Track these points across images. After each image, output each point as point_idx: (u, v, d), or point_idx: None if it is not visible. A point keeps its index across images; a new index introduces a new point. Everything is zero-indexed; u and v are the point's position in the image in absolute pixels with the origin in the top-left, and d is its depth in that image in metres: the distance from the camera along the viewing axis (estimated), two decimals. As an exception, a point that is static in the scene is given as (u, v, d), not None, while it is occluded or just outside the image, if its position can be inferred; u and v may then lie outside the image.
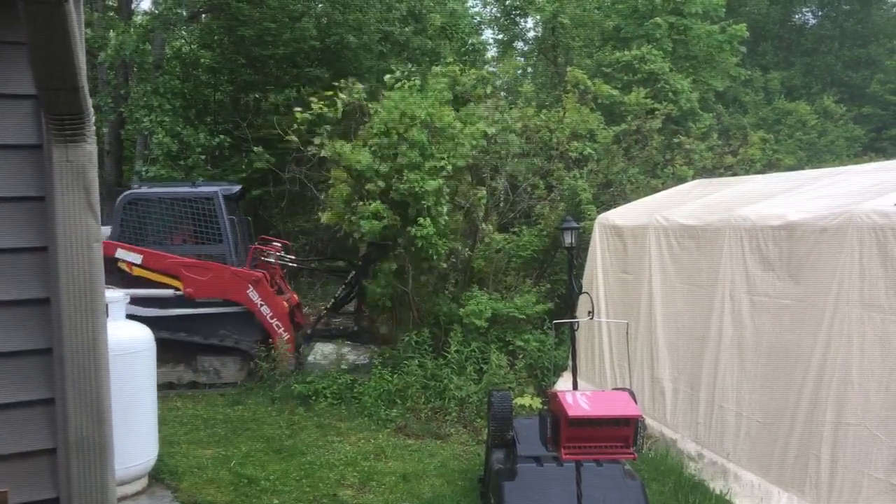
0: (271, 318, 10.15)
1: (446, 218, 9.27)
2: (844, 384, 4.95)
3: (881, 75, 25.27)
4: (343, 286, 11.30)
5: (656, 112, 12.82)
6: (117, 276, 9.74)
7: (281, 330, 10.16)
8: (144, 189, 10.53)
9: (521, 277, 10.91)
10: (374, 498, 6.19)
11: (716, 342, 6.29)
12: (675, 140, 12.93)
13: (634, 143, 12.65)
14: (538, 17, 18.22)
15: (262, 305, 10.11)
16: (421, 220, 8.96)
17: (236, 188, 10.97)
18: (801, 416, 5.29)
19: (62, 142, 2.49)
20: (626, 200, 10.14)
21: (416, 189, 8.87)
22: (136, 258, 9.87)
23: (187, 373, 9.94)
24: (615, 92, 12.88)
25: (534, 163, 11.83)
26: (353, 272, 11.12)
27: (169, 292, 9.87)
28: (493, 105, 10.81)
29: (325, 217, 10.18)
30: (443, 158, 9.19)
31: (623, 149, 12.31)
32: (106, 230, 9.77)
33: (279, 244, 11.35)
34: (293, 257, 10.96)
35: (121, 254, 9.84)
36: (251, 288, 10.07)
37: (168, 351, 9.56)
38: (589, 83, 12.51)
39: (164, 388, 9.71)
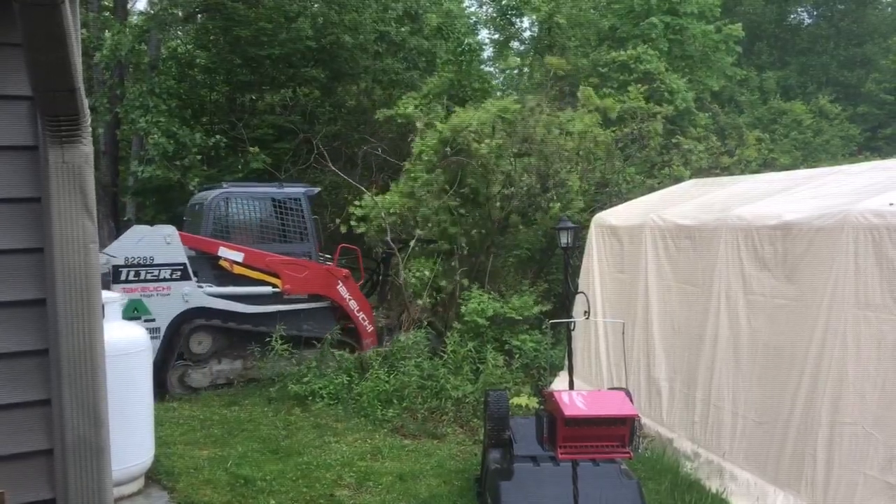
0: (357, 311, 10.71)
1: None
2: (840, 383, 4.97)
3: (876, 74, 25.31)
4: (366, 281, 11.99)
5: (658, 115, 12.83)
6: (212, 273, 10.04)
7: (366, 323, 10.74)
8: (236, 188, 10.91)
9: (519, 277, 10.94)
10: (371, 498, 6.19)
11: (712, 342, 6.31)
12: (673, 140, 12.93)
13: (631, 142, 12.66)
14: (534, 17, 18.22)
15: (349, 300, 10.67)
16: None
17: (316, 190, 11.61)
18: (797, 416, 5.31)
19: (58, 143, 2.48)
20: (623, 200, 10.15)
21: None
22: (238, 256, 10.12)
23: (290, 366, 10.04)
24: (618, 104, 12.91)
25: (531, 161, 11.84)
26: (377, 269, 11.95)
27: (268, 289, 10.21)
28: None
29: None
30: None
31: (619, 148, 12.31)
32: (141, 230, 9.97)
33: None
34: (329, 256, 11.31)
35: (223, 252, 10.05)
36: (340, 284, 10.61)
37: (265, 345, 9.82)
38: (598, 101, 12.64)
39: (258, 381, 9.97)
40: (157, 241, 9.47)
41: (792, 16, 30.12)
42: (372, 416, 8.32)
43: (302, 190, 11.08)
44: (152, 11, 16.86)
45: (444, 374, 8.70)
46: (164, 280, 9.45)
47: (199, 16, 17.92)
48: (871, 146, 21.84)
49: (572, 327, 5.87)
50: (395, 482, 6.49)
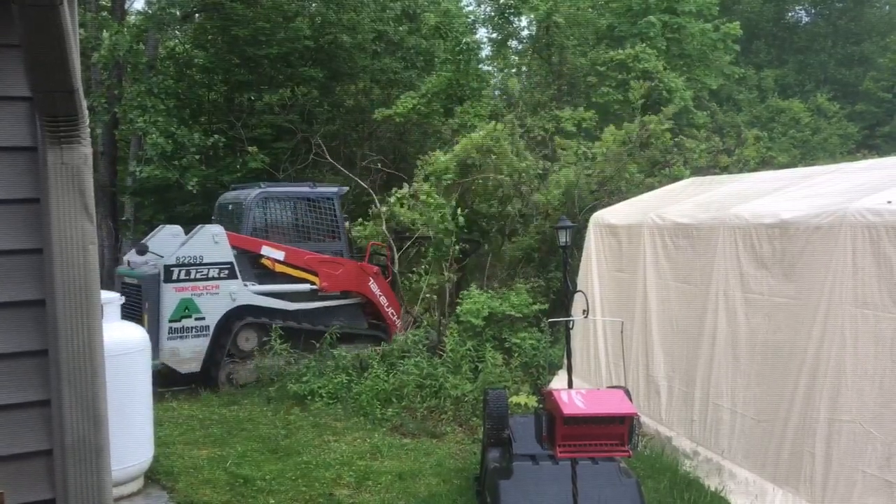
0: (387, 307, 11.11)
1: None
2: (838, 381, 4.98)
3: (874, 73, 25.33)
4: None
5: (661, 114, 12.84)
6: (253, 271, 10.31)
7: (395, 318, 11.16)
8: (273, 188, 11.23)
9: (519, 274, 10.98)
10: (371, 497, 6.19)
11: (710, 340, 6.31)
12: (676, 139, 12.86)
13: (629, 141, 12.64)
14: (532, 15, 18.23)
15: (380, 296, 11.06)
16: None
17: (345, 189, 12.09)
18: (796, 413, 5.32)
19: (57, 144, 2.49)
20: (623, 199, 10.16)
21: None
22: (280, 255, 10.42)
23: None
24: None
25: (529, 162, 11.89)
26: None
27: (305, 287, 10.56)
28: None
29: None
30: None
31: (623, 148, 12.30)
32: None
33: None
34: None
35: (266, 251, 10.36)
36: (371, 280, 10.99)
37: (307, 339, 10.15)
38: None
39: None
40: (206, 241, 9.67)
41: (790, 14, 30.15)
42: (371, 416, 8.32)
43: (334, 190, 11.45)
44: (150, 11, 16.85)
45: (443, 373, 8.71)
46: (213, 279, 9.67)
47: (197, 15, 17.92)
48: (868, 144, 21.86)
49: (571, 326, 5.87)
50: (394, 481, 6.50)
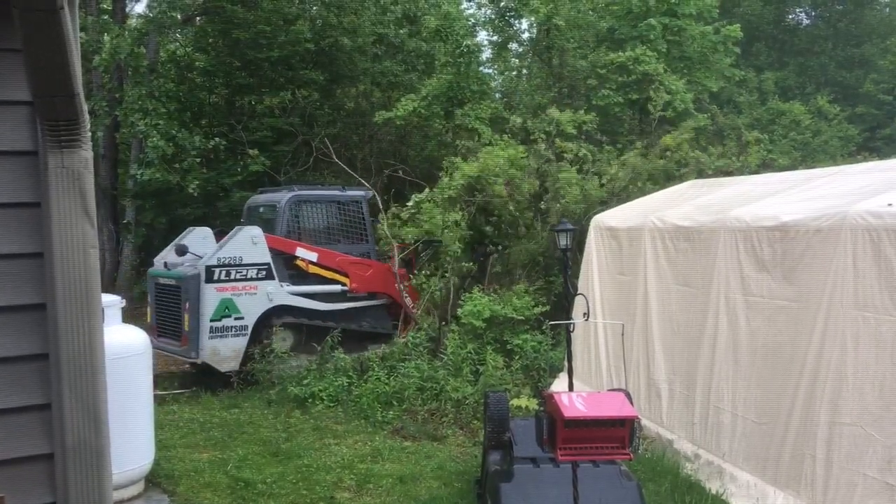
0: (413, 308, 11.27)
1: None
2: (839, 384, 4.97)
3: (875, 75, 25.28)
4: None
5: (681, 128, 12.89)
6: (287, 272, 10.51)
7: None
8: (306, 191, 11.51)
9: (518, 277, 10.99)
10: (372, 500, 6.19)
11: (711, 343, 6.31)
12: (692, 154, 12.79)
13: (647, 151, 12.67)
14: (532, 18, 18.23)
15: (405, 297, 11.26)
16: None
17: (371, 193, 12.38)
18: (796, 416, 5.31)
19: (57, 148, 2.49)
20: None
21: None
22: (313, 256, 10.68)
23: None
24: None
25: (528, 164, 11.91)
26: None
27: (337, 288, 10.82)
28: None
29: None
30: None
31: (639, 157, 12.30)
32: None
33: None
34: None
35: (300, 252, 10.64)
36: (398, 281, 11.19)
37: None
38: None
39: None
40: (245, 242, 9.87)
41: (790, 16, 30.12)
42: (372, 419, 8.32)
43: (362, 193, 11.72)
44: (151, 14, 16.88)
45: (443, 376, 8.71)
46: (252, 279, 9.87)
47: (198, 18, 17.94)
48: (869, 146, 21.81)
49: (572, 329, 5.88)
50: (395, 484, 6.49)
